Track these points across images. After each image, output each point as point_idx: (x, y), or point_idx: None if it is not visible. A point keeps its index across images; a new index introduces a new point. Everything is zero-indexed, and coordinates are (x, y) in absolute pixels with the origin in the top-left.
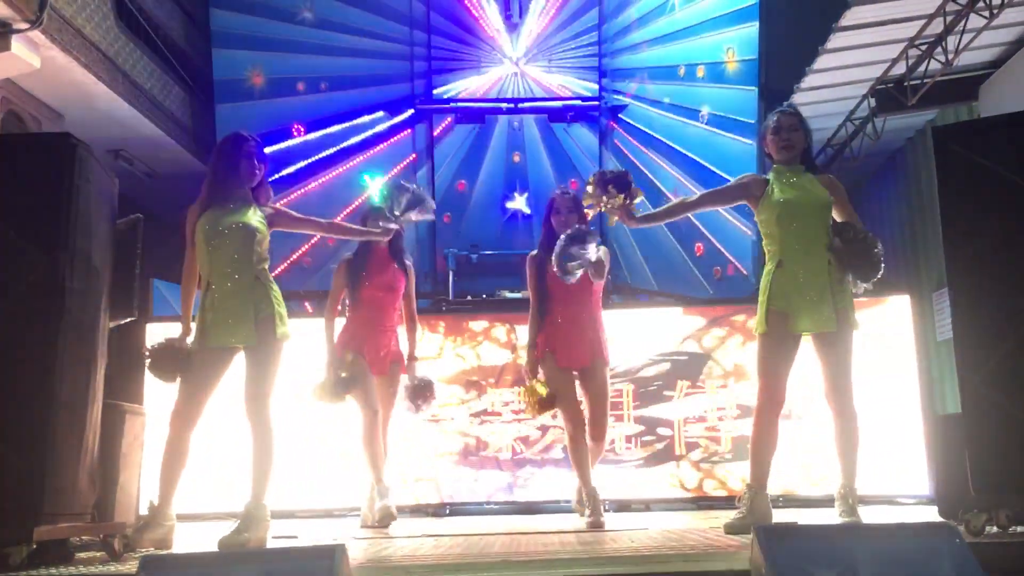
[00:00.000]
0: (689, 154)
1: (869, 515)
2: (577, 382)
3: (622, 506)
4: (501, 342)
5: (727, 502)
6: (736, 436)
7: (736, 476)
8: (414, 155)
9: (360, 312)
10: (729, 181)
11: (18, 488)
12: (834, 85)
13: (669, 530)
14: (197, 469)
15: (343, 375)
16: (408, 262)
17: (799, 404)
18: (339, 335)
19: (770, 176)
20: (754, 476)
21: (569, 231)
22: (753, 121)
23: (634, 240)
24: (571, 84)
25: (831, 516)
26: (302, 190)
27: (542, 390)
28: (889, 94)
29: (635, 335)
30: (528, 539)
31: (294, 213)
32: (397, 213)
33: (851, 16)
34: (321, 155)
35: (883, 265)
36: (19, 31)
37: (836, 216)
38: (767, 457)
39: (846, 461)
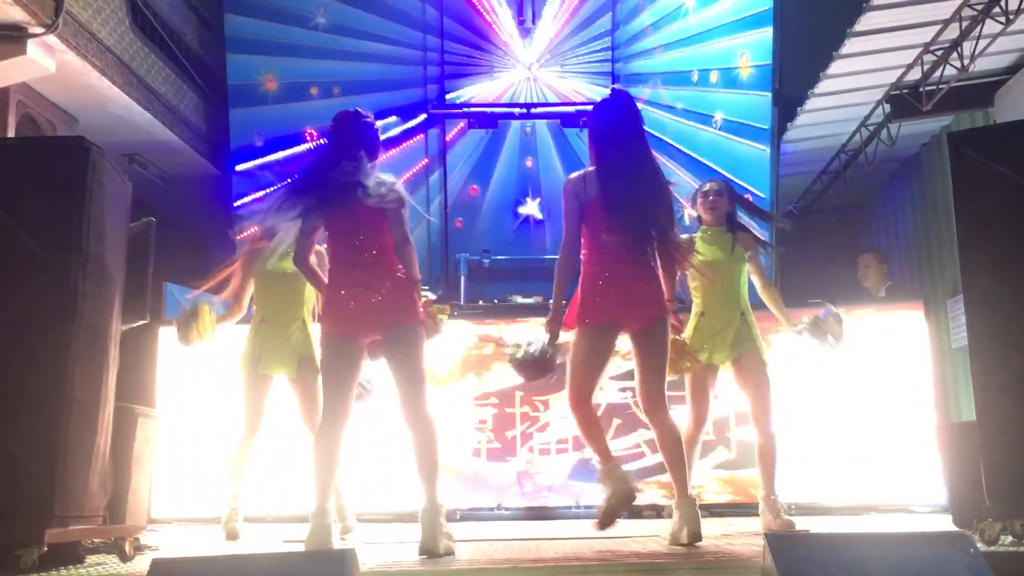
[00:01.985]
0: (703, 160)
1: (883, 524)
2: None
3: (633, 512)
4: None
5: (738, 508)
6: (741, 441)
7: (744, 483)
8: (426, 160)
9: None
10: (744, 186)
11: (30, 490)
12: (849, 91)
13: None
14: (207, 475)
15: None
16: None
17: (809, 415)
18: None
19: (698, 236)
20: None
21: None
22: (767, 127)
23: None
24: (584, 89)
25: (844, 525)
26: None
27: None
28: (904, 100)
29: None
30: (539, 545)
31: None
32: None
33: (866, 21)
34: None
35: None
36: (35, 35)
37: (749, 266)
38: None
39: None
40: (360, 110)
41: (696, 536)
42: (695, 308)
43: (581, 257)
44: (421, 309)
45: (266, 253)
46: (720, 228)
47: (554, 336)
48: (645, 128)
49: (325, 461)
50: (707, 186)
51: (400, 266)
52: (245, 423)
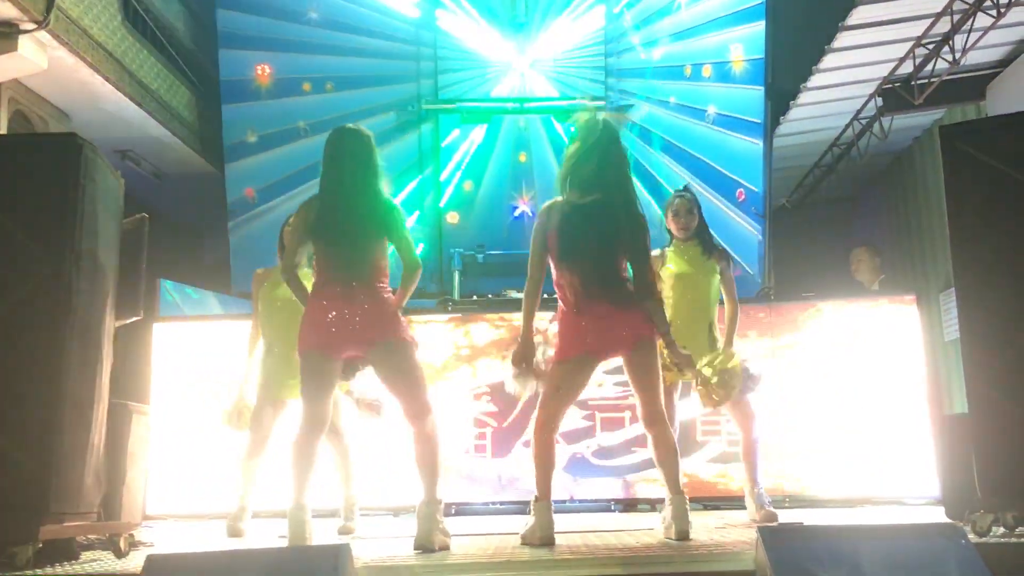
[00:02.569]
0: (696, 154)
1: (876, 516)
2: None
3: (628, 506)
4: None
5: (732, 502)
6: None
7: (739, 477)
8: (420, 155)
9: None
10: (737, 180)
11: (24, 487)
12: (841, 84)
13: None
14: (202, 471)
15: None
16: None
17: (806, 407)
18: None
19: (669, 250)
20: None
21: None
22: (760, 121)
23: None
24: (577, 84)
25: (838, 517)
26: (308, 190)
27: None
28: (896, 93)
29: None
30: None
31: None
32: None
33: (858, 15)
34: None
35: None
36: (26, 31)
37: (720, 281)
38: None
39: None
40: (356, 126)
41: (683, 535)
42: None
43: (556, 289)
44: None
45: (270, 274)
46: (691, 242)
47: (526, 364)
48: (626, 159)
49: (303, 463)
50: (676, 203)
51: (383, 285)
52: (249, 444)
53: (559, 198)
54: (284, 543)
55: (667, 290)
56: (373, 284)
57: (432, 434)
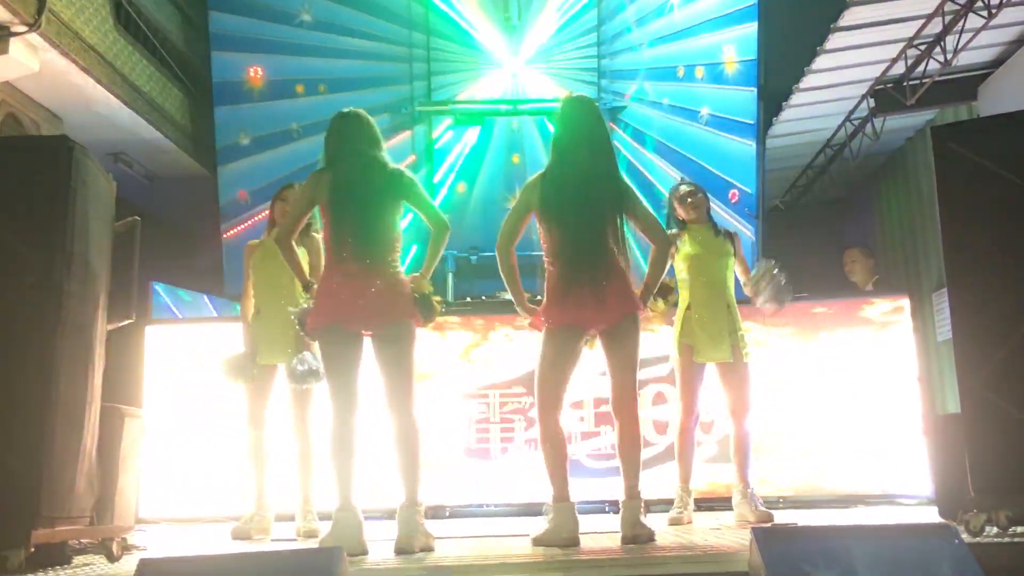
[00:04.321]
0: (688, 155)
1: (869, 516)
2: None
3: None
4: (501, 341)
5: (726, 503)
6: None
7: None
8: (413, 157)
9: None
10: (730, 181)
11: (16, 491)
12: (833, 85)
13: (669, 532)
14: (195, 475)
15: None
16: None
17: (801, 408)
18: None
19: (683, 234)
20: (683, 477)
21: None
22: (753, 122)
23: (634, 242)
24: (570, 85)
25: (830, 517)
26: None
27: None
28: (888, 94)
29: None
30: (527, 541)
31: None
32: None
33: (850, 16)
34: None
35: (789, 291)
36: (17, 34)
37: (736, 267)
38: (692, 460)
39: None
40: (356, 109)
41: (626, 539)
42: (682, 302)
43: (545, 259)
44: (415, 296)
45: (262, 244)
46: (705, 224)
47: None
48: (606, 132)
49: (343, 454)
50: (683, 188)
51: (395, 262)
52: (249, 417)
53: (544, 171)
54: (280, 546)
55: (683, 272)
56: (386, 260)
57: (413, 429)
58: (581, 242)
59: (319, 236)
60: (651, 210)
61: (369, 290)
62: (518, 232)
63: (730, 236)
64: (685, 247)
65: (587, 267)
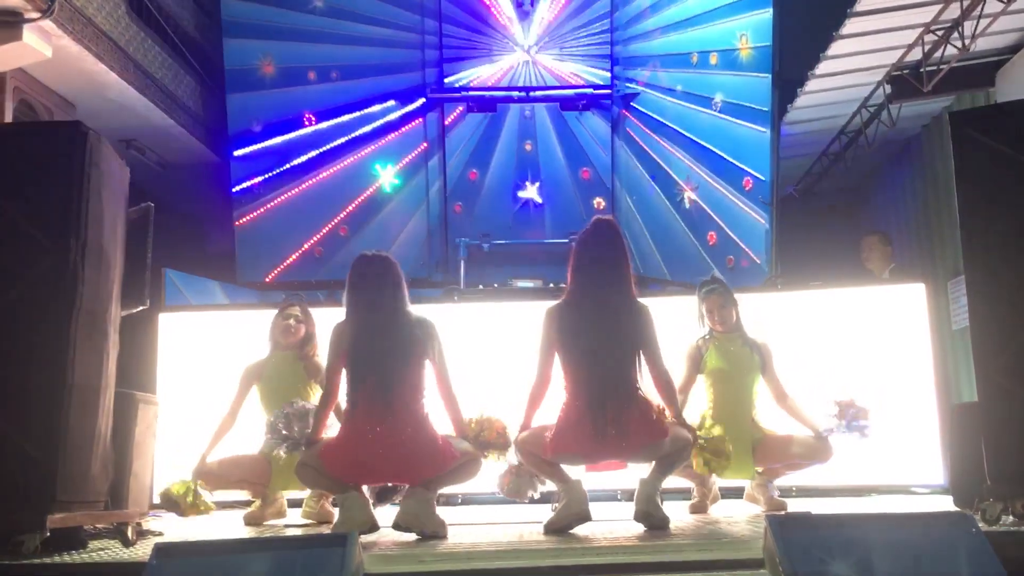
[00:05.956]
0: (702, 142)
1: (884, 505)
2: None
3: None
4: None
5: (739, 492)
6: None
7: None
8: (425, 144)
9: None
10: (744, 169)
11: (31, 476)
12: (849, 71)
13: (683, 519)
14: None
15: None
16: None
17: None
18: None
19: (710, 343)
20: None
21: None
22: (767, 109)
23: (647, 229)
24: (583, 72)
25: (845, 506)
26: (313, 179)
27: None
28: (905, 80)
29: None
30: (540, 528)
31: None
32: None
33: (866, 1)
34: (332, 144)
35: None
36: (31, 20)
37: (764, 378)
38: None
39: None
40: (379, 252)
41: (638, 517)
42: (705, 411)
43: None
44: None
45: (263, 367)
46: (732, 335)
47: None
48: (626, 258)
49: None
50: (709, 299)
51: (422, 407)
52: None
53: (561, 300)
54: (293, 532)
55: (707, 387)
56: (412, 406)
57: (475, 465)
58: (602, 377)
59: None
60: (659, 350)
61: (397, 443)
62: (551, 367)
63: (763, 349)
64: (711, 359)
65: (603, 404)
